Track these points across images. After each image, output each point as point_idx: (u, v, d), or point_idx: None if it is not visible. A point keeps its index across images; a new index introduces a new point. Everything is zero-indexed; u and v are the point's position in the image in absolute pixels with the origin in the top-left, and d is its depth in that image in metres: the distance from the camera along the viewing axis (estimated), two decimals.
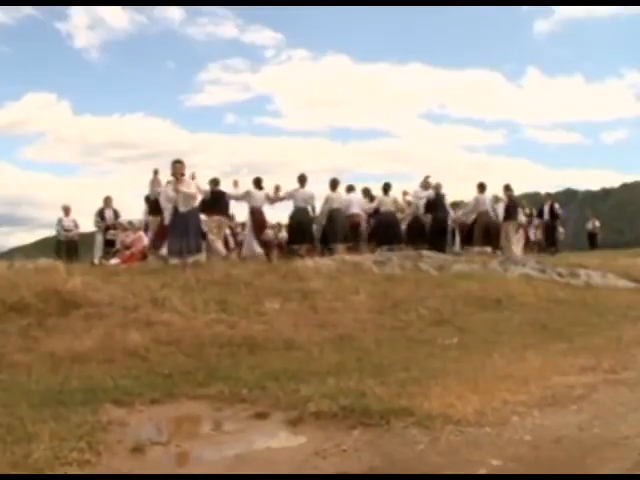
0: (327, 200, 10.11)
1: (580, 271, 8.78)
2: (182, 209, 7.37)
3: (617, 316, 5.72)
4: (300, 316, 4.67)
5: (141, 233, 8.59)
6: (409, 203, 11.42)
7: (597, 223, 20.10)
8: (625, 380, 3.06)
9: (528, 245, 12.90)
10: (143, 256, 8.45)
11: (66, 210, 11.61)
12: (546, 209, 14.07)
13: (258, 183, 9.81)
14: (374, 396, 2.71)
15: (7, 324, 4.02)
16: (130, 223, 8.87)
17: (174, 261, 7.36)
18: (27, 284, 4.79)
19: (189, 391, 3.03)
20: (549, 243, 13.82)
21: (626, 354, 3.81)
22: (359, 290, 5.90)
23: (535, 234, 15.34)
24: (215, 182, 9.41)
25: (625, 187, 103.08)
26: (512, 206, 11.26)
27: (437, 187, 11.08)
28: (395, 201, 10.83)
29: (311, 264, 8.18)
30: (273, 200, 9.98)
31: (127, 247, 8.57)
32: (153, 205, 10.16)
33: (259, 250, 9.65)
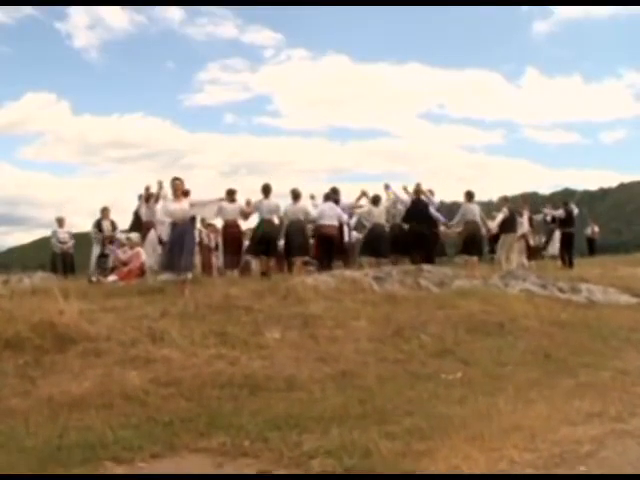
0: (285, 213, 9.79)
1: (581, 286, 8.74)
2: (179, 225, 7.31)
3: (620, 340, 5.67)
4: (301, 348, 4.61)
5: (139, 249, 8.51)
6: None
7: (596, 228, 20.09)
8: (633, 431, 3.01)
9: (531, 253, 12.80)
10: (141, 272, 8.39)
11: (60, 221, 11.53)
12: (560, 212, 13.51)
13: (231, 195, 9.49)
14: (379, 455, 2.65)
15: (4, 362, 3.96)
16: (128, 239, 8.78)
17: (164, 276, 7.30)
18: (23, 315, 4.74)
19: (190, 442, 2.97)
20: (566, 257, 13.23)
21: (632, 394, 3.76)
22: (360, 314, 5.86)
23: (537, 239, 15.23)
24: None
25: (623, 187, 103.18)
26: (511, 218, 11.20)
27: (417, 192, 10.76)
28: (387, 211, 10.60)
29: (310, 281, 8.14)
30: (247, 214, 9.68)
31: (124, 263, 8.49)
32: (138, 221, 10.03)
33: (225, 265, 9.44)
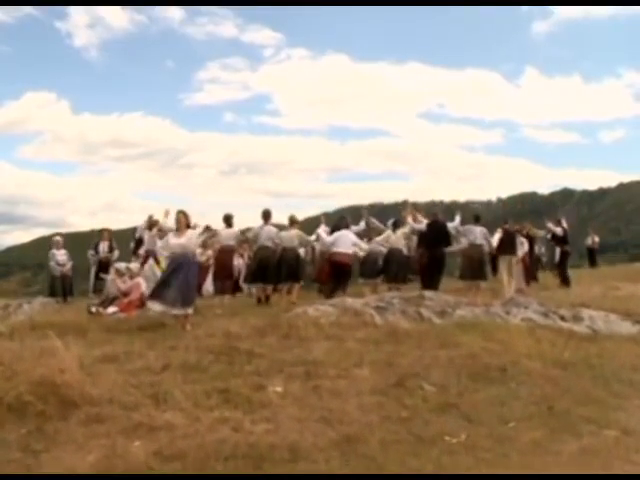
0: (280, 238, 9.88)
1: (583, 313, 8.75)
2: (179, 259, 7.30)
3: (623, 384, 5.66)
4: (304, 405, 4.59)
5: (139, 279, 8.51)
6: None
7: (596, 238, 20.15)
8: None
9: (529, 275, 12.85)
10: (141, 303, 8.38)
11: (58, 244, 11.58)
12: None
13: (228, 220, 9.58)
14: None
15: (7, 432, 3.95)
16: (128, 269, 8.77)
17: (154, 306, 7.30)
18: (24, 370, 4.72)
19: None
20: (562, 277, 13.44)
21: (635, 463, 3.76)
22: (362, 358, 5.85)
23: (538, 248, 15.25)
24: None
25: (622, 187, 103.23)
26: (508, 239, 11.18)
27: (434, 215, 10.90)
28: (405, 235, 10.73)
29: (311, 312, 8.14)
30: (243, 240, 9.77)
31: (125, 294, 8.48)
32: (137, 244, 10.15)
33: (211, 291, 9.53)
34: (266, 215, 9.69)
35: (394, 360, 5.87)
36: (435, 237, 10.33)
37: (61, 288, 11.29)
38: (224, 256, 9.57)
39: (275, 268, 9.57)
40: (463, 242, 10.65)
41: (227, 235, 9.52)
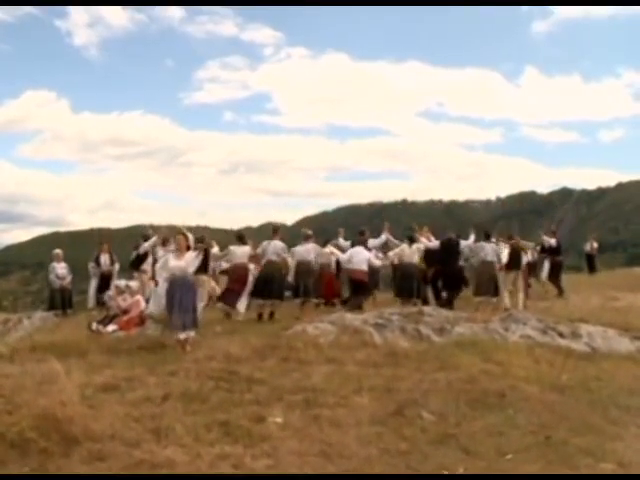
0: (292, 253, 10.11)
1: (581, 330, 8.79)
2: (178, 281, 7.34)
3: (620, 409, 5.70)
4: (304, 437, 4.63)
5: (138, 297, 8.57)
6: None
7: (595, 244, 20.19)
8: None
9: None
10: (141, 321, 8.42)
11: (58, 257, 11.63)
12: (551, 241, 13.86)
13: (241, 239, 9.81)
14: None
15: (9, 469, 3.98)
16: (127, 286, 8.82)
17: (167, 334, 7.35)
18: (25, 401, 4.76)
19: None
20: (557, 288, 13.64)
21: None
22: (362, 384, 5.88)
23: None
24: (200, 240, 9.41)
25: (621, 186, 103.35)
26: (514, 255, 11.32)
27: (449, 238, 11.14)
28: (419, 250, 10.90)
29: (311, 331, 8.18)
30: (255, 257, 9.97)
31: (124, 312, 8.52)
32: (138, 260, 10.25)
33: (242, 309, 9.69)
34: (275, 230, 10.03)
35: (393, 385, 5.91)
36: (448, 254, 10.71)
37: (60, 301, 11.35)
38: (238, 272, 9.80)
39: (281, 283, 9.79)
40: (475, 259, 10.98)
41: (241, 253, 9.80)
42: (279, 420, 4.93)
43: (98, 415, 4.66)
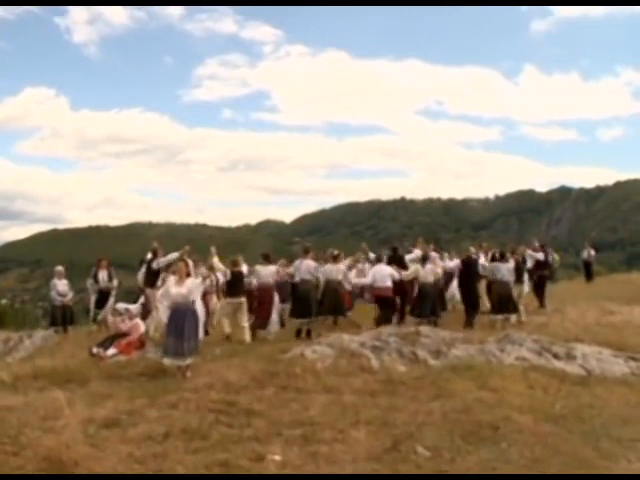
0: (322, 272, 10.45)
1: (576, 351, 8.91)
2: (181, 309, 7.45)
3: (612, 441, 5.81)
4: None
5: (137, 320, 8.69)
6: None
7: (592, 252, 20.32)
8: None
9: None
10: (141, 344, 8.54)
11: (59, 274, 11.74)
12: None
13: (267, 258, 10.11)
14: None
15: None
16: (127, 310, 8.93)
17: (168, 361, 7.46)
18: (29, 442, 4.88)
19: None
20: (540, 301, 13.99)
21: None
22: (359, 416, 5.99)
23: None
24: (235, 263, 9.64)
25: (619, 185, 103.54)
26: (518, 269, 11.61)
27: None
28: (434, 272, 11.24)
29: (309, 354, 8.29)
30: (282, 275, 10.34)
31: (124, 335, 8.64)
32: (152, 276, 10.33)
33: (275, 328, 10.01)
34: (306, 250, 10.52)
35: (389, 417, 6.02)
36: (468, 275, 11.10)
37: (61, 318, 11.46)
38: (263, 294, 10.08)
39: (316, 301, 10.16)
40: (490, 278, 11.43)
41: (266, 273, 10.07)
42: (278, 458, 5.04)
43: (101, 456, 4.77)
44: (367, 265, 12.09)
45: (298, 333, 10.11)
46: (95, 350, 8.45)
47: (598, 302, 14.29)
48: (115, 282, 11.73)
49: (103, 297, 11.41)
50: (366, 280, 11.03)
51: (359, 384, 7.01)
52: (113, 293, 11.58)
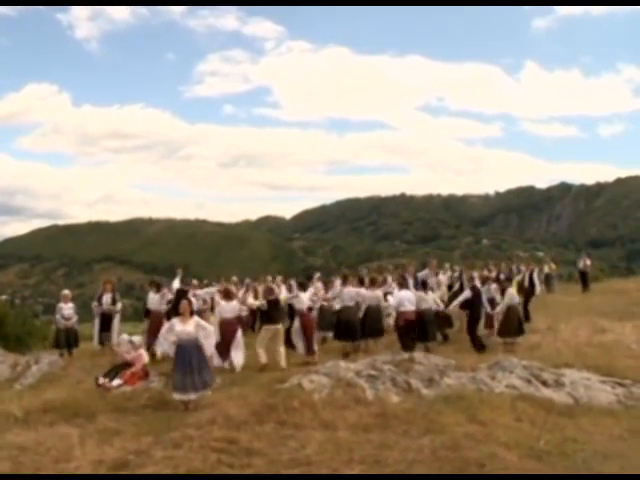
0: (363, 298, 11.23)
1: (565, 377, 9.23)
2: (186, 346, 7.78)
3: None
4: None
5: (141, 351, 9.04)
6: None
7: (588, 261, 20.68)
8: None
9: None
10: (145, 374, 8.89)
11: (65, 298, 12.05)
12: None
13: (303, 286, 10.73)
14: None
15: None
16: (131, 342, 9.27)
17: (177, 396, 7.79)
18: None
19: None
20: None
21: None
22: (353, 454, 6.32)
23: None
24: (270, 291, 10.03)
25: (620, 181, 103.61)
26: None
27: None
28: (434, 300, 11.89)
29: (306, 385, 8.64)
30: (319, 299, 11.08)
31: (128, 364, 8.98)
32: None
33: (302, 350, 10.56)
34: (345, 278, 11.41)
35: (382, 455, 6.34)
36: (474, 301, 11.67)
37: (65, 341, 11.79)
38: (306, 318, 10.62)
39: (360, 325, 11.20)
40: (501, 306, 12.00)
41: (305, 299, 10.66)
42: None
43: None
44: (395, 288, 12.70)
45: (346, 355, 10.82)
46: (101, 380, 8.78)
47: (591, 319, 14.62)
48: (119, 306, 12.04)
49: (106, 320, 11.72)
50: (394, 303, 11.68)
51: (354, 418, 7.34)
52: (117, 317, 11.89)
